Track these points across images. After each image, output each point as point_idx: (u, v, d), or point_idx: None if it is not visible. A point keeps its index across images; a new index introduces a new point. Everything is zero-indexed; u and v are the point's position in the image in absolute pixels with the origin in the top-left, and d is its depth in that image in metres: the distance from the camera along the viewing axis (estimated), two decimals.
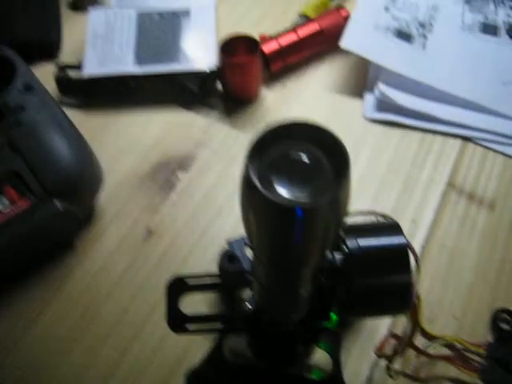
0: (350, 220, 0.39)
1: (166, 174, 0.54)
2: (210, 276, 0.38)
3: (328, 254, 0.33)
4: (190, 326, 0.36)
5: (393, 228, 0.33)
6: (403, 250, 0.32)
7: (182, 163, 0.55)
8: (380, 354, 0.41)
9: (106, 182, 0.51)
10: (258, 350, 0.41)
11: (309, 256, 0.26)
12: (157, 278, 0.48)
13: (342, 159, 0.23)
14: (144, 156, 0.56)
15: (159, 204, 0.52)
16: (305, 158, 0.23)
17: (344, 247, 0.33)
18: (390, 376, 0.41)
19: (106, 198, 0.52)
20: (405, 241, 0.33)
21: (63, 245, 0.50)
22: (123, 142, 0.57)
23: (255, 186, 0.22)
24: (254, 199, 0.23)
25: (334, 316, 0.36)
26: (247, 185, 0.23)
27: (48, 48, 0.64)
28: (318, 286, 0.33)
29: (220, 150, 0.56)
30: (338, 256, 0.33)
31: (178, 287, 0.37)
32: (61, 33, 0.65)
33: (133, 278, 0.48)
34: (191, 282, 0.37)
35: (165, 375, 0.43)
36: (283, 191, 0.23)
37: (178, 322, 0.36)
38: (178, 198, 0.53)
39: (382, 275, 0.32)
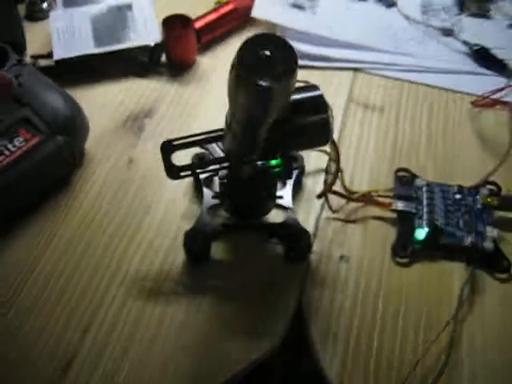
0: None
1: (137, 122, 0.69)
2: (195, 136, 0.51)
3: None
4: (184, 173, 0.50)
5: (314, 87, 0.49)
6: (321, 99, 0.47)
7: (147, 113, 0.70)
8: (320, 194, 0.56)
9: (90, 132, 0.65)
10: (231, 209, 0.56)
11: (267, 118, 0.42)
12: (140, 199, 0.62)
13: (291, 56, 0.39)
14: (116, 113, 0.70)
15: (135, 142, 0.67)
16: (268, 54, 0.39)
17: None
18: (330, 209, 0.58)
19: (92, 144, 0.66)
20: (321, 93, 0.48)
21: (63, 181, 0.63)
22: (98, 106, 0.71)
23: (242, 74, 0.38)
24: (240, 79, 0.39)
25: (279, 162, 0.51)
26: (236, 70, 0.38)
27: (15, 50, 0.77)
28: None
29: (172, 103, 0.72)
30: None
31: (169, 147, 0.50)
32: (24, 36, 0.79)
33: (120, 202, 0.61)
34: (179, 142, 0.50)
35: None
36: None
37: (174, 172, 0.50)
38: (149, 135, 0.68)
39: (306, 115, 0.48)
